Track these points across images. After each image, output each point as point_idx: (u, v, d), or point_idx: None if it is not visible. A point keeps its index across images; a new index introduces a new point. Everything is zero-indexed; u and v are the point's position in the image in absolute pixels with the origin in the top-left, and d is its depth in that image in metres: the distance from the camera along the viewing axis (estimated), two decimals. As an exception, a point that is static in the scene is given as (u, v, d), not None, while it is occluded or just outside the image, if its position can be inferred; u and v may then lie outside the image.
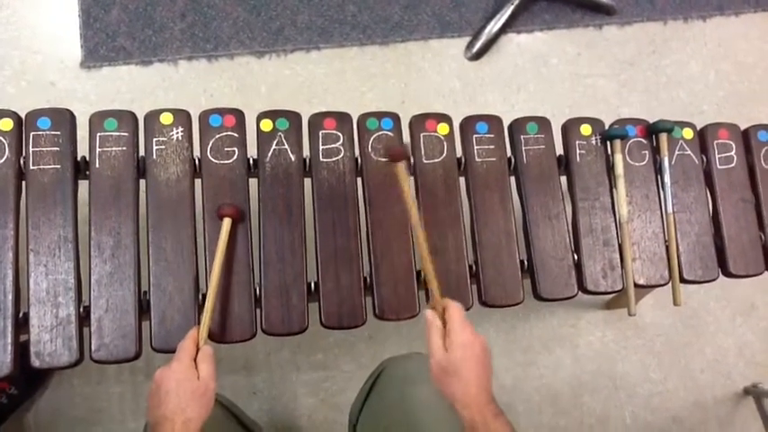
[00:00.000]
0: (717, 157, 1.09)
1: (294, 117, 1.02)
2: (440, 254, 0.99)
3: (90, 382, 1.36)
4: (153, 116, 0.98)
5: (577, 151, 1.07)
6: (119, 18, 1.59)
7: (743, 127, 1.13)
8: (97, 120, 0.96)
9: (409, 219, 0.89)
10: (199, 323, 0.87)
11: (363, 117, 1.03)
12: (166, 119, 0.98)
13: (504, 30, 1.66)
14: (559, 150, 1.08)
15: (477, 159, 1.04)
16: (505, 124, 1.07)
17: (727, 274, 1.06)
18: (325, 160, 1.00)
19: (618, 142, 1.05)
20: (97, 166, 0.95)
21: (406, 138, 1.04)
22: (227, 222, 0.92)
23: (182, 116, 0.98)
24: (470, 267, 0.99)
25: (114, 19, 1.59)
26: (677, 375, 1.52)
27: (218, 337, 0.92)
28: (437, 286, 0.83)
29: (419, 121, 1.05)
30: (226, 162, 0.97)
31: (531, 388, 1.48)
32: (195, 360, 0.80)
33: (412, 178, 1.02)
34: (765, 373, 1.53)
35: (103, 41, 1.57)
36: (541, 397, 1.48)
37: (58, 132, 0.94)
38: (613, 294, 1.04)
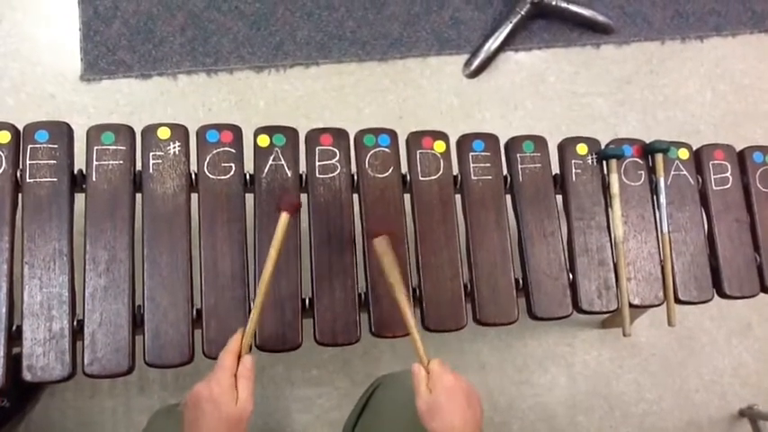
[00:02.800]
0: (712, 177, 1.10)
1: (291, 133, 1.02)
2: (435, 271, 0.99)
3: (83, 396, 1.35)
4: (150, 130, 0.98)
5: (573, 170, 1.07)
6: (119, 31, 1.59)
7: (739, 148, 1.13)
8: (94, 133, 0.97)
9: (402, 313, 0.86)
10: (235, 337, 0.83)
11: (360, 133, 1.04)
12: (164, 133, 0.98)
13: (502, 47, 1.67)
14: (555, 169, 1.08)
15: (473, 177, 1.04)
16: (502, 142, 1.08)
17: (722, 295, 1.06)
18: (321, 176, 1.00)
19: (614, 162, 1.06)
20: (94, 179, 0.95)
21: (403, 154, 1.04)
22: (284, 218, 0.85)
23: (179, 131, 0.99)
24: (465, 286, 0.99)
25: (115, 32, 1.59)
26: (672, 395, 1.51)
27: (213, 354, 0.91)
28: (422, 349, 0.84)
29: (416, 139, 1.05)
30: (222, 177, 0.97)
31: (526, 407, 1.47)
32: (236, 375, 0.78)
33: (407, 195, 1.02)
34: (760, 394, 1.53)
35: (103, 54, 1.58)
36: (536, 416, 1.47)
37: (56, 145, 0.95)
38: (608, 314, 1.04)
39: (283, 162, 1.00)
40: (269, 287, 0.83)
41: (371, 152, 1.03)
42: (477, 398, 0.80)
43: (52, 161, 0.94)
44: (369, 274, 0.97)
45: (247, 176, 0.99)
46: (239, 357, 0.80)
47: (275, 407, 1.40)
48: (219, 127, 1.00)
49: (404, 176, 1.03)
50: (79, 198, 0.95)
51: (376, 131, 1.04)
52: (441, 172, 1.04)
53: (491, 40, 1.65)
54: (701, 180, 1.10)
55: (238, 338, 0.82)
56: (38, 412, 1.34)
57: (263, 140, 1.01)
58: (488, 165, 1.05)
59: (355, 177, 1.01)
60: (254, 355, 0.82)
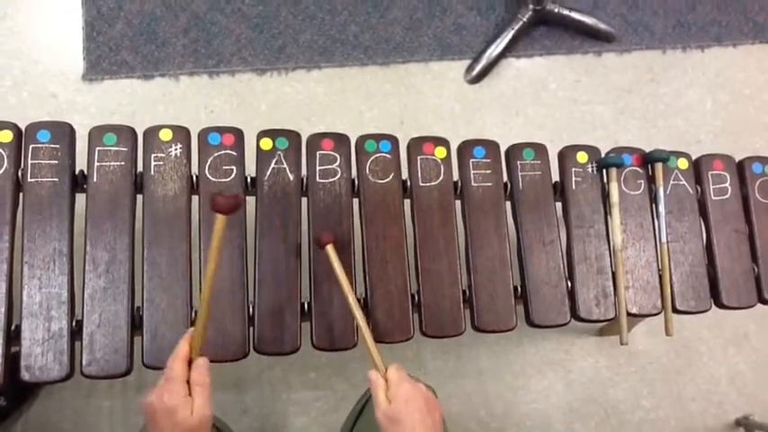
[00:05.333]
0: (711, 187, 1.10)
1: (294, 137, 1.02)
2: (434, 277, 0.99)
3: (80, 395, 1.36)
4: (152, 132, 0.98)
5: (573, 178, 1.07)
6: (122, 32, 1.60)
7: (738, 158, 1.14)
8: (96, 134, 0.97)
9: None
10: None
11: (362, 139, 1.04)
12: (165, 135, 0.98)
13: (504, 54, 1.67)
14: (555, 177, 1.08)
15: (473, 184, 1.05)
16: (503, 148, 1.08)
17: (720, 305, 1.06)
18: (321, 181, 1.01)
19: (614, 170, 1.06)
20: (95, 180, 0.95)
21: (403, 159, 1.04)
22: (221, 219, 0.77)
23: (181, 133, 0.99)
24: (464, 292, 0.99)
25: (118, 33, 1.60)
26: (669, 404, 1.51)
27: (209, 356, 0.91)
28: (377, 355, 0.85)
29: (417, 144, 1.05)
30: (223, 180, 0.98)
31: (523, 413, 1.47)
32: (188, 382, 0.74)
33: (408, 201, 1.03)
34: (757, 404, 1.53)
35: (106, 55, 1.58)
36: (533, 422, 1.47)
37: (58, 146, 0.95)
38: (606, 322, 1.05)
39: (285, 165, 1.00)
40: (212, 288, 0.79)
41: (372, 158, 1.03)
42: (435, 402, 0.81)
43: (54, 161, 0.94)
44: (367, 280, 0.97)
45: (248, 179, 0.99)
46: (190, 362, 0.77)
47: (272, 409, 1.40)
48: (221, 130, 1.00)
49: (404, 182, 1.03)
50: (80, 198, 0.96)
51: (377, 137, 1.04)
52: (441, 178, 1.04)
53: (493, 47, 1.66)
54: (700, 190, 1.10)
55: (186, 343, 0.78)
56: (35, 411, 1.34)
57: (266, 144, 1.01)
58: (489, 171, 1.06)
59: (356, 182, 1.02)
60: (206, 357, 0.79)
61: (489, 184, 1.05)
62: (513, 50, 1.69)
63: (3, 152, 0.94)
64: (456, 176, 1.05)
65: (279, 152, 1.01)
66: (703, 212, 1.09)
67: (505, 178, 1.07)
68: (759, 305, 1.09)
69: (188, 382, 0.75)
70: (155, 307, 0.91)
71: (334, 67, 1.64)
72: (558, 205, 1.07)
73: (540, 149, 1.08)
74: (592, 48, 1.74)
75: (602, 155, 1.09)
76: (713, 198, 1.10)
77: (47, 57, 1.58)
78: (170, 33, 1.61)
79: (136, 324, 0.91)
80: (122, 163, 0.96)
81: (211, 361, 0.90)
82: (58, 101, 1.55)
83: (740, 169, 1.13)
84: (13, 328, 0.88)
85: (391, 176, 1.02)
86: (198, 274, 0.94)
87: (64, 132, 0.96)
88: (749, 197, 1.11)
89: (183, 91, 1.58)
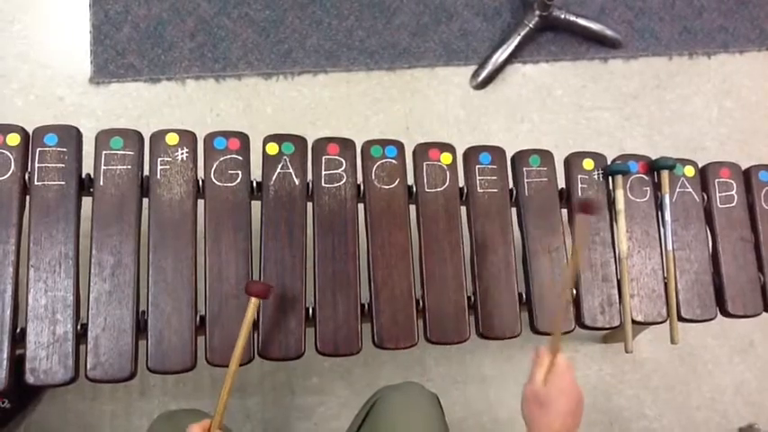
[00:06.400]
0: (717, 195, 1.10)
1: (300, 141, 1.02)
2: (439, 283, 0.99)
3: (84, 399, 1.36)
4: (159, 136, 0.99)
5: (579, 185, 1.07)
6: (129, 36, 1.60)
7: (744, 165, 1.13)
8: (103, 138, 0.97)
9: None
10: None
11: (368, 144, 1.04)
12: (172, 139, 0.99)
13: (510, 60, 1.67)
14: (561, 183, 1.08)
15: (479, 190, 1.04)
16: (509, 154, 1.08)
17: (725, 313, 1.06)
18: (327, 186, 1.01)
19: (620, 178, 1.06)
20: (101, 183, 0.95)
21: (409, 165, 1.04)
22: (254, 302, 0.86)
23: (187, 137, 0.99)
24: (469, 298, 0.99)
25: (125, 36, 1.60)
26: (673, 412, 1.51)
27: (215, 361, 0.91)
28: (560, 334, 0.84)
29: (423, 150, 1.05)
30: (229, 185, 0.98)
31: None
32: None
33: (413, 207, 1.03)
34: (762, 413, 1.52)
35: (113, 58, 1.59)
36: (536, 429, 1.46)
37: (65, 149, 0.95)
38: (611, 330, 1.04)
39: (291, 170, 1.00)
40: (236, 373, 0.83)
41: (378, 163, 1.03)
42: (582, 409, 0.80)
43: (60, 165, 0.95)
44: (372, 285, 0.97)
45: (254, 184, 0.99)
46: None
47: (275, 414, 1.40)
48: (227, 134, 1.00)
49: (410, 188, 1.03)
50: (86, 202, 0.96)
51: (383, 143, 1.04)
52: (447, 184, 1.04)
53: (499, 52, 1.66)
54: (706, 198, 1.10)
55: (206, 423, 0.80)
56: (38, 414, 1.34)
57: (272, 148, 1.01)
58: (495, 178, 1.06)
59: (361, 187, 1.02)
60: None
61: (495, 190, 1.05)
62: (519, 56, 1.69)
63: (10, 155, 0.94)
64: (461, 182, 1.05)
65: (285, 157, 1.01)
66: (709, 220, 1.09)
67: (511, 185, 1.06)
68: (765, 314, 1.08)
69: None
70: (159, 311, 0.92)
71: (340, 72, 1.65)
72: (564, 212, 1.07)
73: (546, 156, 1.08)
74: (598, 54, 1.73)
75: (608, 162, 1.09)
76: (719, 206, 1.09)
77: (54, 60, 1.59)
78: (177, 37, 1.61)
79: (140, 328, 0.91)
80: (129, 167, 0.96)
81: (217, 366, 0.91)
82: (64, 104, 1.55)
83: (746, 177, 1.12)
84: (18, 330, 0.89)
85: (397, 182, 1.03)
86: (203, 279, 0.94)
87: (71, 136, 0.96)
88: (755, 205, 1.10)
89: (190, 95, 1.59)
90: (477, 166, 1.06)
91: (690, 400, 1.52)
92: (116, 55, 1.59)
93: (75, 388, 1.23)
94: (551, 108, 1.68)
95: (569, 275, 0.94)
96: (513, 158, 1.08)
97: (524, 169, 1.07)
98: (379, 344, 0.96)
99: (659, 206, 1.07)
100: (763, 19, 1.80)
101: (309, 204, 1.00)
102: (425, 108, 1.64)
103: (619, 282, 1.03)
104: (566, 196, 1.07)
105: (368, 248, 0.99)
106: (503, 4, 1.73)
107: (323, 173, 1.01)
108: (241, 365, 0.91)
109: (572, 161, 1.08)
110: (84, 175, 0.96)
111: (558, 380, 0.79)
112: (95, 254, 0.92)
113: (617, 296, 1.02)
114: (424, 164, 1.05)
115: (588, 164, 1.08)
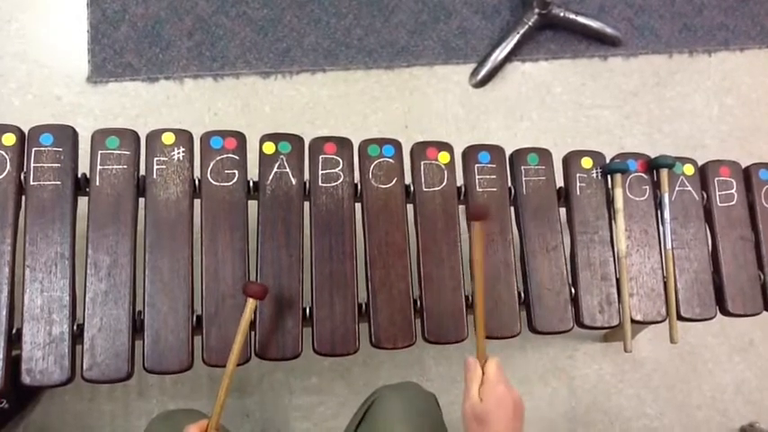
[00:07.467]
0: (717, 194, 1.09)
1: (297, 141, 1.02)
2: (436, 283, 0.98)
3: (82, 399, 1.35)
4: (155, 135, 0.98)
5: (578, 184, 1.07)
6: (127, 35, 1.60)
7: (745, 163, 1.13)
8: (99, 137, 0.97)
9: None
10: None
11: (365, 143, 1.04)
12: (168, 139, 0.98)
13: (509, 58, 1.67)
14: (560, 182, 1.07)
15: (478, 189, 1.04)
16: (508, 153, 1.07)
17: (725, 312, 1.05)
18: (324, 185, 1.00)
19: (618, 176, 1.05)
20: (97, 183, 0.95)
21: (407, 164, 1.04)
22: (251, 303, 0.87)
23: (183, 136, 0.99)
24: (467, 298, 0.99)
25: (122, 35, 1.60)
26: (673, 411, 1.50)
27: (212, 361, 0.91)
28: (483, 340, 0.84)
29: (420, 149, 1.05)
30: (225, 184, 0.97)
31: (526, 420, 1.45)
32: None
33: (411, 206, 1.02)
34: (762, 411, 1.51)
35: (111, 57, 1.58)
36: (536, 429, 1.46)
37: (60, 149, 0.95)
38: (610, 329, 1.04)
39: (288, 170, 1.00)
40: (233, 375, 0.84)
41: (375, 162, 1.03)
42: (522, 410, 0.80)
43: (56, 164, 0.94)
44: (369, 285, 0.97)
45: (250, 183, 0.98)
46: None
47: (273, 414, 1.40)
48: (224, 133, 1.00)
49: (407, 187, 1.02)
50: (82, 202, 0.95)
51: (380, 141, 1.04)
52: (444, 183, 1.03)
53: (498, 50, 1.65)
54: (705, 196, 1.09)
55: (203, 424, 0.80)
56: (36, 414, 1.34)
57: (269, 147, 1.00)
58: (494, 177, 1.05)
59: (358, 187, 1.01)
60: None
61: (494, 189, 1.04)
62: (519, 54, 1.69)
63: (5, 155, 0.94)
64: (459, 181, 1.05)
65: (282, 156, 1.01)
66: (709, 219, 1.09)
67: (509, 183, 1.06)
68: (765, 312, 1.08)
69: None
70: (156, 311, 0.91)
71: (338, 71, 1.64)
72: (563, 211, 1.06)
73: (544, 154, 1.08)
74: (597, 52, 1.73)
75: (607, 160, 1.09)
76: (719, 204, 1.09)
77: (52, 59, 1.58)
78: (174, 36, 1.61)
79: (137, 328, 0.91)
80: (125, 166, 0.96)
81: (214, 366, 0.90)
82: (62, 103, 1.55)
83: (746, 176, 1.12)
84: (14, 331, 0.88)
85: (394, 181, 1.02)
86: (199, 279, 0.93)
87: (67, 135, 0.96)
88: (755, 204, 1.10)
89: (188, 94, 1.58)
90: (476, 165, 1.05)
91: (690, 398, 1.51)
92: (114, 54, 1.59)
93: (73, 388, 1.23)
94: (551, 106, 1.67)
95: (476, 289, 0.87)
96: (511, 157, 1.07)
97: (522, 168, 1.06)
98: (377, 344, 0.95)
99: (658, 205, 1.07)
100: (764, 16, 1.79)
101: (306, 204, 1.00)
102: (424, 106, 1.63)
103: (618, 281, 1.02)
104: (564, 195, 1.06)
105: (365, 248, 0.98)
106: (502, 2, 1.73)
107: (320, 172, 1.01)
108: (238, 365, 0.91)
109: (571, 160, 1.08)
110: (80, 175, 0.95)
111: (492, 391, 0.78)
112: (91, 254, 0.92)
113: (616, 295, 1.02)
114: (422, 163, 1.04)
115: (587, 162, 1.08)
